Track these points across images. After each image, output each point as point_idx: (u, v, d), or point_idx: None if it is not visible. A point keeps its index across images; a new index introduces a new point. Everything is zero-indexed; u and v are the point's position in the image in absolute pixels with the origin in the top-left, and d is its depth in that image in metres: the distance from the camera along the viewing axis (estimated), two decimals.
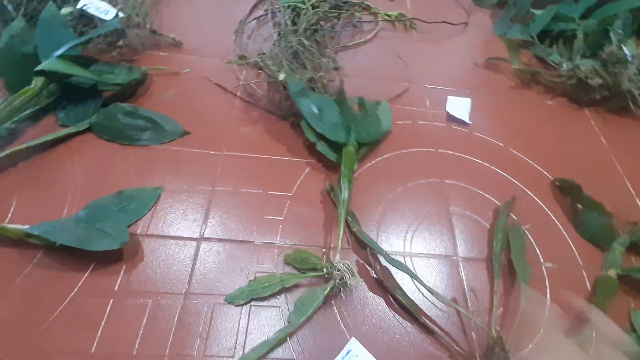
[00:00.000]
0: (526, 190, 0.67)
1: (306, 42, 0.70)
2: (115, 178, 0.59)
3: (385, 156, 0.68)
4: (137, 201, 0.56)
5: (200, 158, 0.64)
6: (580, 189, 0.64)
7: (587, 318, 0.48)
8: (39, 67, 0.61)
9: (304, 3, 0.83)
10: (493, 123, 0.78)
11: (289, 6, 0.83)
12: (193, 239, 0.55)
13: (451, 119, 0.76)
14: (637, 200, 0.69)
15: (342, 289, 0.50)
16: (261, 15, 0.90)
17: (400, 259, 0.56)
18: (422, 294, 0.53)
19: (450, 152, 0.71)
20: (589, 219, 0.62)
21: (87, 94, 0.66)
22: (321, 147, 0.63)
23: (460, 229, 0.61)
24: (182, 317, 0.48)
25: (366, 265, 0.55)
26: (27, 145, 0.58)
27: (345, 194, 0.58)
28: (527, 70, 0.87)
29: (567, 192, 0.66)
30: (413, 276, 0.51)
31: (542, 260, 0.59)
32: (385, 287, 0.53)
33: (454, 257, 0.58)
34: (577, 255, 0.60)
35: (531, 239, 0.61)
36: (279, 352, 0.46)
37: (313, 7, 0.84)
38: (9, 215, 0.53)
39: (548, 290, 0.56)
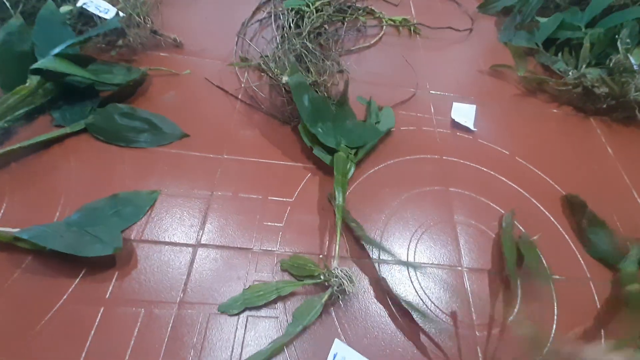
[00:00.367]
0: (532, 199, 0.66)
1: (310, 46, 0.69)
2: (111, 181, 0.57)
3: (389, 162, 0.67)
4: (132, 205, 0.54)
5: (199, 161, 0.62)
6: (585, 205, 0.62)
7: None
8: (34, 65, 0.59)
9: (308, 6, 0.82)
10: (498, 131, 0.76)
11: (292, 9, 0.82)
12: (189, 245, 0.53)
13: (456, 125, 0.75)
14: None
15: (340, 296, 0.49)
16: (264, 18, 0.89)
17: (404, 269, 0.55)
18: (426, 305, 0.51)
19: (454, 159, 0.70)
20: (595, 236, 0.61)
21: (84, 93, 0.65)
22: (317, 151, 0.62)
23: (465, 239, 0.59)
24: (176, 327, 0.45)
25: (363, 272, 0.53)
26: (21, 145, 0.56)
27: (339, 199, 0.56)
28: (533, 78, 0.86)
29: (573, 208, 0.64)
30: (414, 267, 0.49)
31: (549, 272, 0.57)
32: (388, 295, 0.51)
33: (459, 268, 0.56)
34: (584, 267, 0.59)
35: (538, 251, 0.59)
36: None
37: (317, 11, 0.83)
38: None
39: (555, 304, 0.54)
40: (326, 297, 0.48)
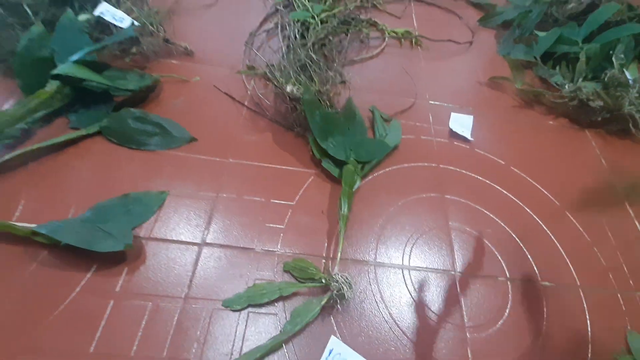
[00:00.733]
0: (526, 208, 0.68)
1: (314, 56, 0.72)
2: (122, 181, 0.60)
3: (387, 169, 0.69)
4: (142, 204, 0.57)
5: (205, 164, 0.65)
6: None
7: None
8: (55, 71, 0.63)
9: (313, 18, 0.86)
10: (495, 141, 0.79)
11: (298, 20, 0.86)
12: (195, 243, 0.55)
13: (454, 135, 0.78)
14: (637, 222, 0.69)
15: (338, 300, 0.51)
16: (271, 28, 0.93)
17: (399, 272, 0.57)
18: (423, 311, 0.54)
19: (451, 167, 0.72)
20: None
21: (99, 98, 0.68)
22: (326, 163, 0.65)
23: (459, 244, 0.61)
24: (181, 321, 0.48)
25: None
26: (39, 145, 0.60)
27: (345, 209, 0.59)
28: (530, 90, 0.89)
29: None
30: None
31: (539, 278, 0.59)
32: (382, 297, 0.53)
33: (452, 272, 0.58)
34: (574, 274, 0.61)
35: (529, 256, 0.61)
36: (273, 358, 0.47)
37: (322, 22, 0.87)
38: (17, 214, 0.55)
39: (545, 309, 0.56)
40: (325, 300, 0.51)
